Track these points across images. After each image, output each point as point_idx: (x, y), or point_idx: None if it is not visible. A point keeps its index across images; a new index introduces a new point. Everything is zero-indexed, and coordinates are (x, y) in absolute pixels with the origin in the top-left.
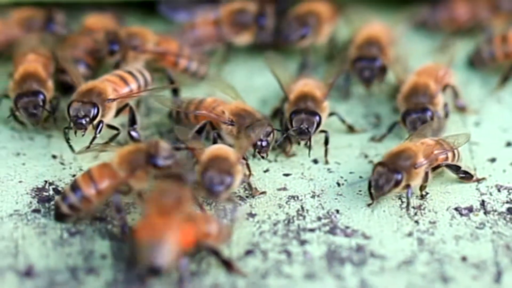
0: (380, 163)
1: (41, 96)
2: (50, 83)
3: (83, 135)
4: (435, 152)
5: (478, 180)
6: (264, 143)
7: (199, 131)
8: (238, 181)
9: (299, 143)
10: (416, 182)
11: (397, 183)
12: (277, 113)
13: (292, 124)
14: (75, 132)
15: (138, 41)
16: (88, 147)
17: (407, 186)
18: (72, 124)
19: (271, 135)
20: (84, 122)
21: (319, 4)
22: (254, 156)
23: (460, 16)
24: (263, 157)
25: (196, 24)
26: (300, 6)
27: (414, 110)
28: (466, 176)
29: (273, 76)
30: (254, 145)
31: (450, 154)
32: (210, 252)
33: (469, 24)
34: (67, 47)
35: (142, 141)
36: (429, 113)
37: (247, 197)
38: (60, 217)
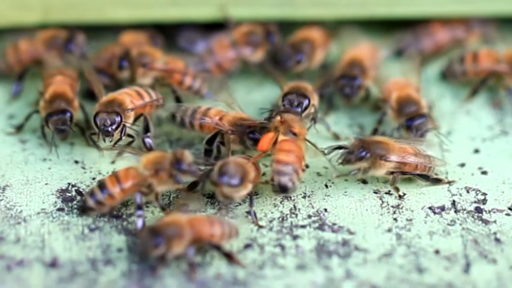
0: (359, 139)
1: (69, 114)
2: (76, 102)
3: (110, 141)
4: (406, 158)
5: (448, 183)
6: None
7: (211, 140)
8: (247, 190)
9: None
10: (377, 173)
11: (361, 158)
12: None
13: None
14: (104, 140)
15: (148, 59)
16: (114, 146)
17: (367, 169)
18: (100, 132)
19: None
20: (110, 129)
21: (313, 31)
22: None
23: (441, 40)
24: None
25: (214, 49)
26: (295, 33)
27: (416, 117)
28: (435, 181)
29: (272, 77)
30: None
31: (421, 166)
32: (213, 247)
33: (449, 45)
34: (96, 59)
35: (155, 149)
36: (426, 118)
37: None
38: (85, 210)
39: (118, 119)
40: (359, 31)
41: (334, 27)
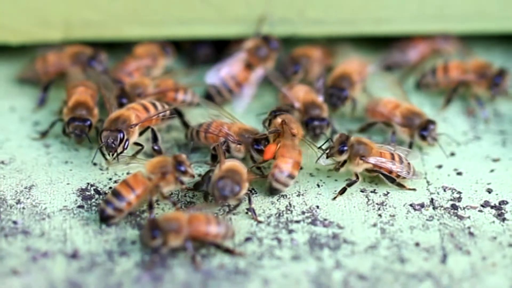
0: (344, 134)
1: (88, 123)
2: (96, 111)
3: (113, 155)
4: (380, 162)
5: (410, 189)
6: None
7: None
8: (245, 190)
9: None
10: (353, 169)
11: (341, 152)
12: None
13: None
14: (109, 153)
15: (141, 89)
16: (114, 158)
17: (342, 165)
18: (104, 147)
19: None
20: (113, 145)
21: (312, 49)
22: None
23: (424, 51)
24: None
25: (236, 74)
26: (297, 49)
27: (429, 124)
28: (399, 185)
29: (275, 85)
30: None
31: (394, 172)
32: (210, 244)
33: (431, 55)
34: (114, 70)
35: (165, 154)
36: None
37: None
38: (105, 219)
39: (120, 135)
40: (351, 48)
41: (331, 45)
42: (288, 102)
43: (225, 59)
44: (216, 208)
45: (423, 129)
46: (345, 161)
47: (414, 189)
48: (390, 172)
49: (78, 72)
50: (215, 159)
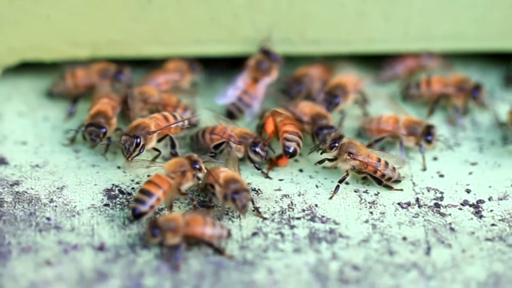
0: (338, 133)
1: (103, 130)
2: (114, 120)
3: (129, 157)
4: (367, 160)
5: (397, 190)
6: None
7: (217, 147)
8: None
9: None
10: (341, 166)
11: (332, 147)
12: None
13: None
14: (125, 156)
15: (145, 96)
16: (131, 160)
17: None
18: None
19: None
20: (130, 149)
21: (313, 68)
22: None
23: (411, 66)
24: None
25: (247, 89)
26: (298, 69)
27: (430, 129)
28: (386, 187)
29: (282, 104)
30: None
31: (379, 172)
32: (204, 244)
33: (417, 71)
34: (143, 81)
35: (180, 156)
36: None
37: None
38: (138, 216)
39: (137, 140)
40: (349, 65)
41: (329, 63)
42: (296, 117)
43: (235, 79)
44: (225, 210)
45: (427, 135)
46: (336, 158)
47: (401, 190)
48: (375, 172)
49: (106, 85)
50: (214, 156)
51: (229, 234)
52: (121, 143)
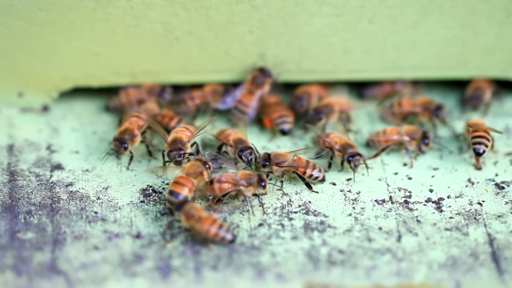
0: (266, 153)
1: (125, 145)
2: (138, 138)
3: (180, 166)
4: (289, 164)
5: (314, 192)
6: (249, 158)
7: (220, 147)
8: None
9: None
10: (276, 173)
11: (264, 166)
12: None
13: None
14: (177, 166)
15: (148, 110)
16: (164, 166)
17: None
18: (174, 163)
19: (252, 154)
20: (180, 160)
21: (312, 86)
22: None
23: (387, 91)
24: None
25: (249, 103)
26: (299, 87)
27: (427, 133)
28: (307, 186)
29: (316, 134)
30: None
31: (308, 171)
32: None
33: (392, 94)
34: (185, 93)
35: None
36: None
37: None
38: (180, 207)
39: (182, 152)
40: (345, 89)
41: (331, 88)
42: (327, 145)
43: (234, 90)
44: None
45: (425, 138)
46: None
47: (316, 191)
48: (304, 173)
49: (153, 100)
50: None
51: (232, 235)
52: (170, 158)
